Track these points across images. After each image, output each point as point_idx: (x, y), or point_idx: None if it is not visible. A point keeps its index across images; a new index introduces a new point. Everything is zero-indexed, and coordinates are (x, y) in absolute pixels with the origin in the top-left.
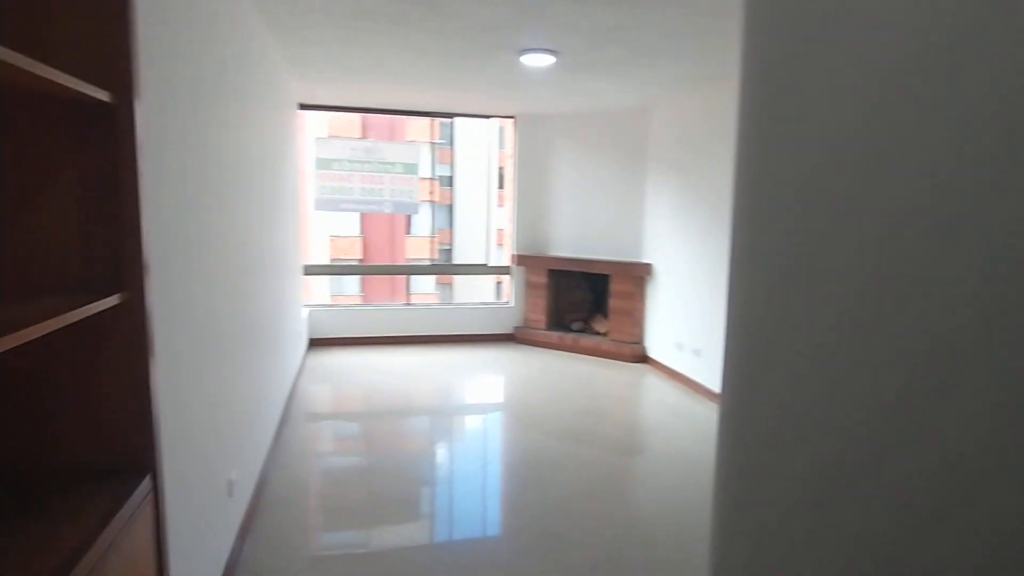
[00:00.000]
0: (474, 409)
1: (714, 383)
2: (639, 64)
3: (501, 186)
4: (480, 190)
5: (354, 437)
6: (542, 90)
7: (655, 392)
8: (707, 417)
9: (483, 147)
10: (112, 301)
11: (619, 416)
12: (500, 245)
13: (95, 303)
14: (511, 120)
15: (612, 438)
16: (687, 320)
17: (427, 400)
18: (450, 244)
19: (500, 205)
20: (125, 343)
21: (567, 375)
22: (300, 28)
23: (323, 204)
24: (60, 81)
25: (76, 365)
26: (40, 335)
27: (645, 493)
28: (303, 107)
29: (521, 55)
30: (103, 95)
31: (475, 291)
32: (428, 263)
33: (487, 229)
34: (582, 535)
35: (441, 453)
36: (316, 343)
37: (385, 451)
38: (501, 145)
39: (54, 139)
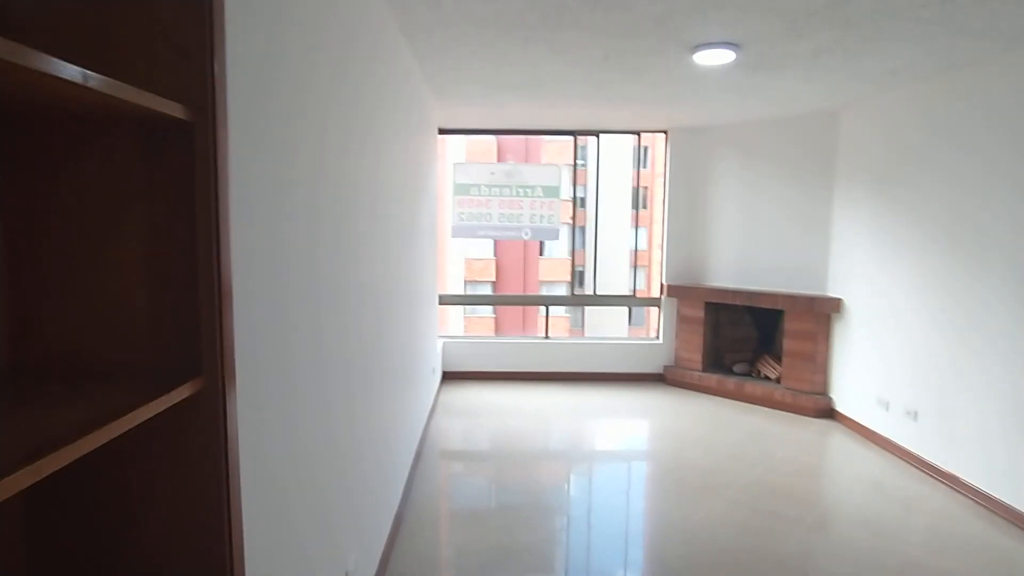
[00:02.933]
0: (618, 467)
1: (940, 457)
2: (848, 53)
3: (637, 207)
4: (616, 211)
5: (490, 489)
6: (707, 96)
7: (852, 461)
8: (941, 507)
9: (620, 166)
10: (181, 394)
11: (807, 491)
12: (635, 267)
13: (154, 401)
14: (661, 136)
15: (801, 524)
16: (894, 371)
17: (567, 452)
18: (583, 266)
19: (636, 226)
20: (197, 447)
21: (731, 428)
22: (442, 41)
23: (461, 231)
24: (112, 93)
25: (136, 474)
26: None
27: None
28: (443, 131)
29: (694, 52)
30: (176, 110)
31: (609, 313)
32: (564, 292)
33: (625, 251)
34: None
35: (581, 523)
36: (450, 376)
37: (531, 509)
38: (639, 164)
39: (117, 172)
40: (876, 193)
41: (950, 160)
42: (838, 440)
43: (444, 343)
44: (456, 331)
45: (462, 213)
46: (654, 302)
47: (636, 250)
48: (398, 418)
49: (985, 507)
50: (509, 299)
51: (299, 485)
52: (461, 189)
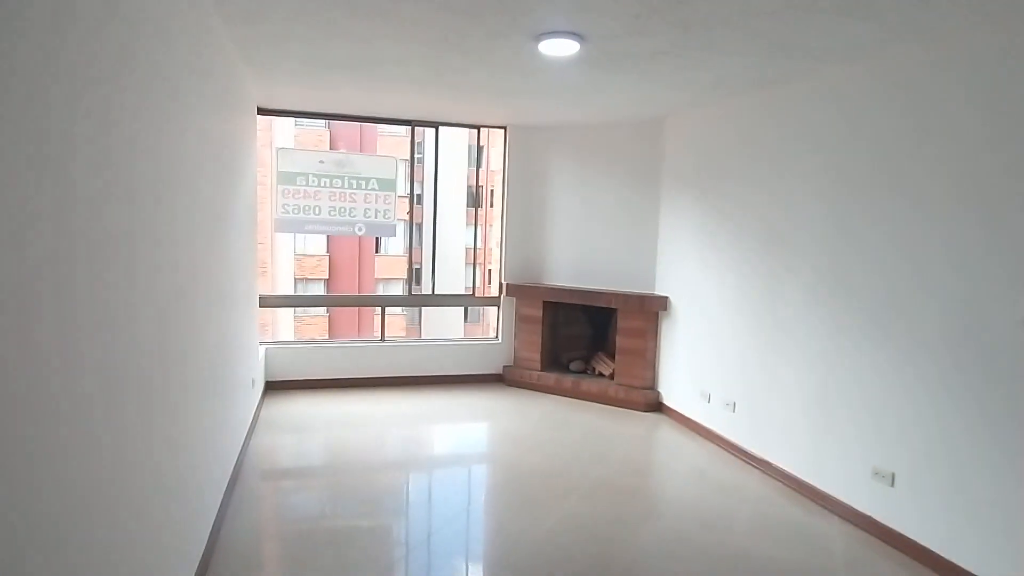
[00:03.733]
0: (460, 478)
1: (754, 444)
2: (681, 59)
3: (474, 204)
4: (453, 208)
5: (321, 514)
6: (548, 92)
7: (681, 454)
8: (759, 494)
9: (456, 163)
10: None
11: (644, 489)
12: (474, 264)
13: None
14: (497, 133)
15: (641, 523)
16: (715, 365)
17: (406, 464)
18: (420, 264)
19: (475, 224)
20: None
21: (570, 428)
22: (256, 4)
23: (285, 225)
24: None
25: None
26: None
27: None
28: (263, 112)
29: (539, 40)
30: None
31: (446, 311)
32: (401, 290)
33: (461, 249)
34: None
35: (423, 545)
36: (276, 387)
37: (354, 534)
38: (477, 161)
39: None
40: (698, 199)
41: (761, 172)
42: (667, 433)
43: (267, 350)
44: (287, 334)
45: (287, 205)
46: (493, 301)
47: (475, 248)
48: (202, 441)
49: (794, 489)
50: (342, 300)
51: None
52: (286, 178)
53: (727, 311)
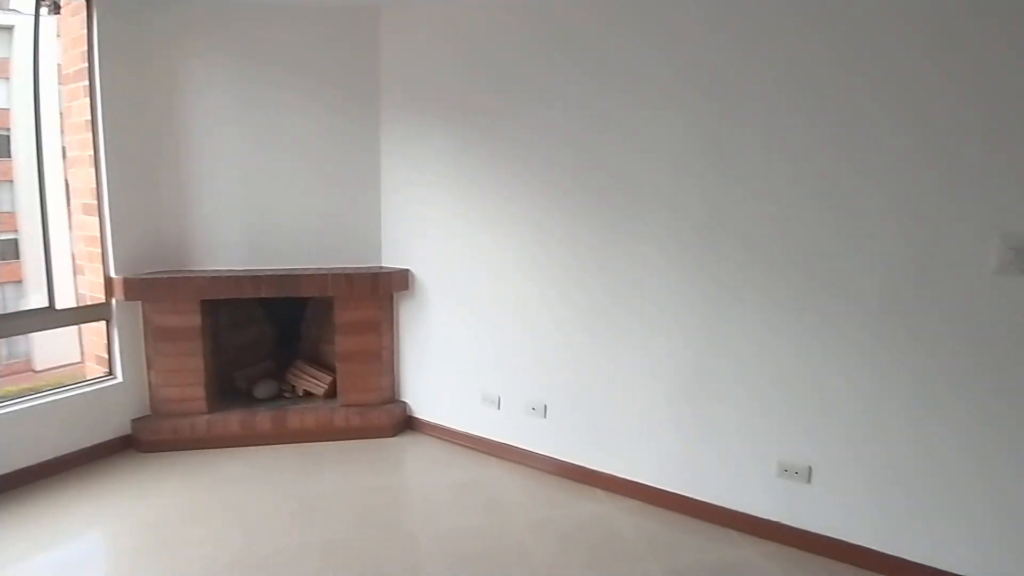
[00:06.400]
0: None
1: (591, 457)
2: None
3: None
4: None
5: None
6: None
7: (489, 490)
8: (643, 531)
9: None
10: None
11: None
12: (47, 250)
13: None
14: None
15: None
16: (502, 359)
17: None
18: None
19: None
20: None
21: (304, 513)
22: None
23: None
24: None
25: None
26: None
27: None
28: None
29: None
30: None
31: None
32: None
33: None
34: None
35: None
36: None
37: None
38: None
39: None
40: (451, 124)
41: (574, 79)
42: (444, 462)
43: None
44: None
45: None
46: (97, 314)
47: (71, 226)
48: None
49: (670, 508)
50: None
51: None
52: None
53: (517, 283)
